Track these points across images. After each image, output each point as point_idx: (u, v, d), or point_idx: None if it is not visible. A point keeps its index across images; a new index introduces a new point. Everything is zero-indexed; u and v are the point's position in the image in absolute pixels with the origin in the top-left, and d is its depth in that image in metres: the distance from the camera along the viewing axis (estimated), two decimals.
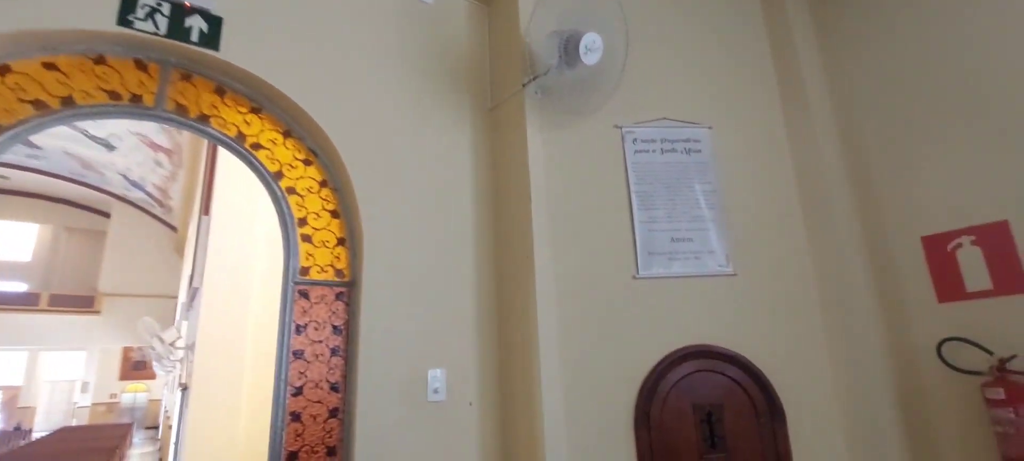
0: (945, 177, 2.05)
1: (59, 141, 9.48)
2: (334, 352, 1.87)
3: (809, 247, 2.22)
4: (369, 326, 1.87)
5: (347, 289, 1.94)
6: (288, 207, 1.88)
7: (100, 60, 1.64)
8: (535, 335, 1.91)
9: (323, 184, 1.98)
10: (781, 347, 2.07)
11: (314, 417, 1.79)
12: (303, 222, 1.90)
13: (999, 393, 1.76)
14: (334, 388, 1.84)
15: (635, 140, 2.23)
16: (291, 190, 1.91)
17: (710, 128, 2.29)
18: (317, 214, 1.94)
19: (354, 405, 1.80)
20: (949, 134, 2.05)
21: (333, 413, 1.82)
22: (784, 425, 2.00)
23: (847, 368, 2.08)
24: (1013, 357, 1.78)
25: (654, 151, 2.23)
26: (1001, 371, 1.79)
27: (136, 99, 1.66)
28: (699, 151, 2.26)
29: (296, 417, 1.76)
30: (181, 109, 1.74)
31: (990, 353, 1.83)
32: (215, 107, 1.80)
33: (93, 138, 9.17)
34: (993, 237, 1.91)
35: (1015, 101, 1.89)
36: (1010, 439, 1.72)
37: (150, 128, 8.24)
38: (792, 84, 2.37)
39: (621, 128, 2.24)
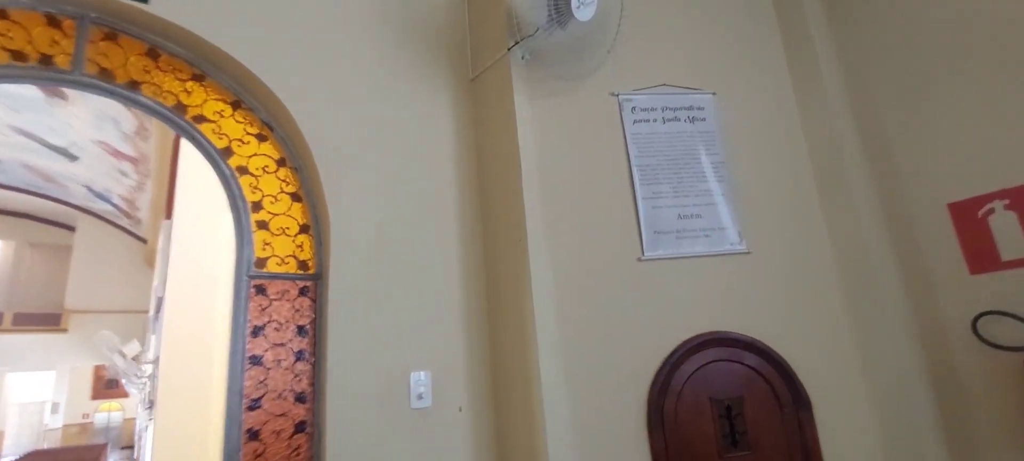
0: (970, 137, 1.87)
1: (15, 152, 8.96)
2: (299, 357, 1.61)
3: (825, 220, 2.02)
4: (340, 325, 1.62)
5: (313, 283, 1.68)
6: (239, 189, 1.62)
7: (1, 13, 1.36)
8: (532, 329, 1.68)
9: (281, 163, 1.72)
10: (802, 330, 1.87)
11: (277, 433, 1.53)
12: (258, 206, 1.64)
13: None
14: (300, 398, 1.58)
15: (634, 109, 2.02)
16: (242, 169, 1.64)
17: (714, 94, 2.09)
18: (274, 197, 1.68)
19: (324, 417, 1.54)
20: (972, 88, 1.87)
21: (300, 428, 1.56)
22: (811, 415, 1.79)
23: (874, 350, 1.89)
24: None
25: (655, 121, 2.02)
26: None
27: (46, 60, 1.38)
28: (704, 120, 2.05)
29: (254, 435, 1.50)
30: (105, 74, 1.47)
31: None
32: (148, 72, 1.53)
33: (52, 148, 8.68)
34: None
35: None
36: None
37: (112, 136, 7.81)
38: (798, 43, 2.18)
39: (618, 96, 2.02)
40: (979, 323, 1.79)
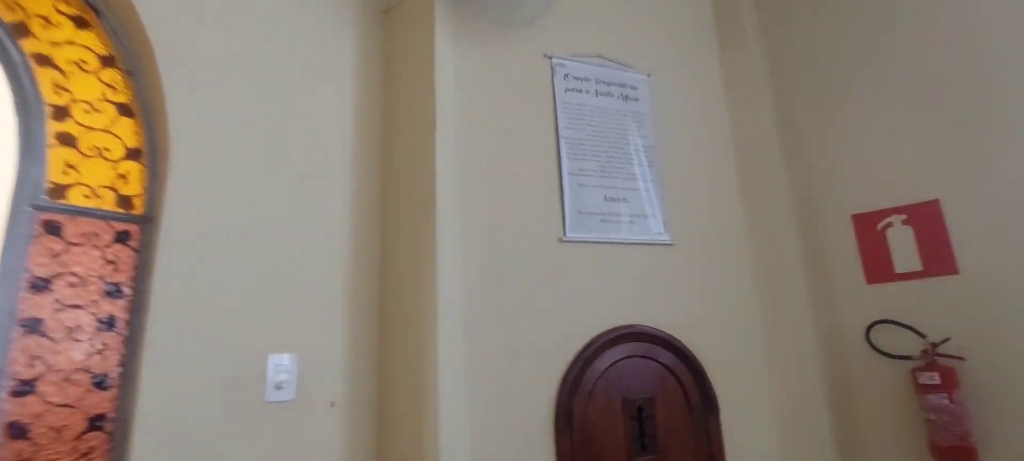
0: (879, 150, 1.93)
1: None
2: (107, 325, 1.17)
3: (745, 220, 1.99)
4: (172, 286, 1.21)
5: (138, 227, 1.24)
6: (33, 84, 1.14)
7: None
8: (432, 313, 1.39)
9: (108, 62, 1.27)
10: (716, 330, 1.79)
11: (58, 431, 1.08)
12: (62, 113, 1.17)
13: (933, 378, 1.63)
14: (100, 384, 1.14)
15: (567, 75, 1.82)
16: (43, 59, 1.17)
17: (648, 76, 1.96)
18: (91, 106, 1.22)
19: (134, 410, 1.13)
20: (883, 108, 1.93)
21: (95, 423, 1.13)
22: (717, 419, 1.71)
23: (780, 354, 1.87)
24: (946, 340, 1.67)
25: (588, 92, 1.84)
26: (934, 355, 1.67)
27: None
28: (636, 100, 1.91)
29: (19, 432, 1.04)
30: None
31: (923, 336, 1.72)
32: None
33: None
34: (924, 217, 1.81)
35: (950, 79, 1.81)
36: (943, 427, 1.60)
37: None
38: (732, 37, 2.14)
39: (551, 58, 1.81)
40: (873, 332, 1.84)
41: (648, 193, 1.81)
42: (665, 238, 1.79)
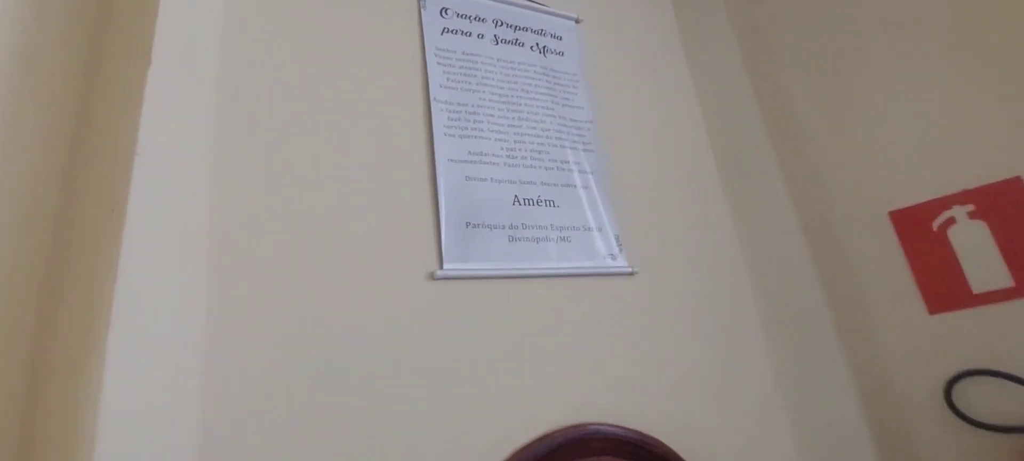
0: (917, 120, 1.31)
1: None
2: None
3: (736, 230, 1.31)
4: None
5: None
6: None
7: None
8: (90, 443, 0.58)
9: None
10: (721, 414, 1.06)
11: None
12: None
13: None
14: None
15: (445, 10, 1.12)
16: None
17: (577, 21, 1.30)
18: None
19: None
20: (918, 57, 1.34)
21: None
22: None
23: (812, 438, 1.15)
24: None
25: (481, 38, 1.14)
26: None
27: None
28: (561, 54, 1.23)
29: None
30: None
31: None
32: None
33: None
34: (1003, 204, 1.19)
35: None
36: None
37: None
38: None
39: None
40: (954, 389, 1.16)
41: (589, 191, 1.10)
42: (620, 263, 1.07)
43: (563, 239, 1.03)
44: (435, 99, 1.01)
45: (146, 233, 0.63)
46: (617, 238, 1.09)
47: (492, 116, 1.06)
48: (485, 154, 1.01)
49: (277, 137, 0.85)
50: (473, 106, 1.05)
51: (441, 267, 0.89)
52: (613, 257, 1.05)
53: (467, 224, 0.94)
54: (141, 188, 0.63)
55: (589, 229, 1.07)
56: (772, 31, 1.52)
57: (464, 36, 1.11)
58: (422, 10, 1.08)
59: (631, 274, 1.07)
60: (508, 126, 1.07)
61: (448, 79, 1.05)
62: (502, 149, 1.04)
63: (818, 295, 1.31)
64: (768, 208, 1.38)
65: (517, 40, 1.18)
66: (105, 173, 0.68)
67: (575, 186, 1.09)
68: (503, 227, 0.97)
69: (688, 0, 1.52)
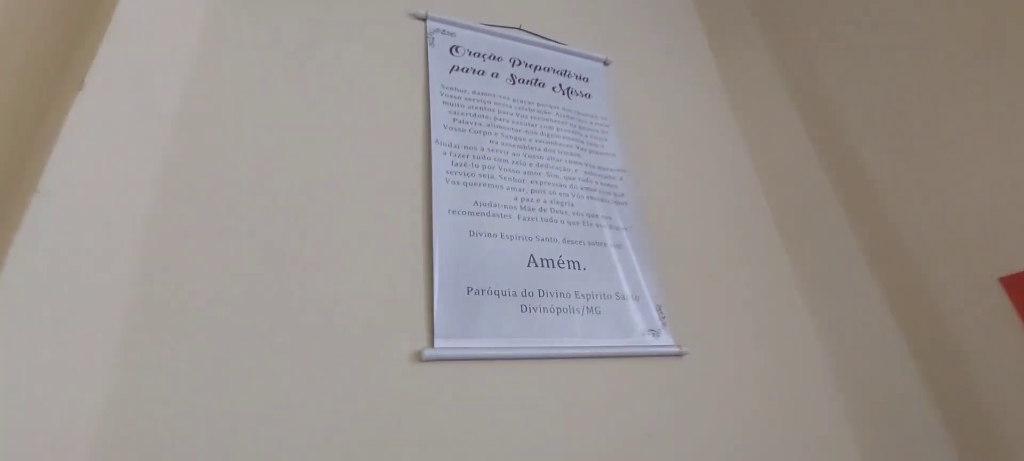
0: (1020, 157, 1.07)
1: None
2: None
3: (805, 302, 1.06)
4: None
5: None
6: None
7: None
8: None
9: None
10: None
11: None
12: None
13: None
14: None
15: (455, 48, 1.00)
16: None
17: (606, 62, 1.16)
18: None
19: None
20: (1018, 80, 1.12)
21: None
22: None
23: None
24: None
25: (496, 77, 1.00)
26: None
27: None
28: (587, 96, 1.08)
29: None
30: None
31: None
32: None
33: None
34: None
35: None
36: None
37: None
38: (720, 14, 1.38)
39: (425, 19, 1.00)
40: None
41: (622, 251, 0.90)
42: (665, 341, 0.85)
43: (591, 310, 0.82)
44: (437, 141, 0.86)
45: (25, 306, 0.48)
46: (659, 309, 0.87)
47: (505, 161, 0.90)
48: (495, 204, 0.84)
49: (233, 182, 0.71)
50: (483, 150, 0.89)
51: (431, 345, 0.69)
52: (654, 333, 0.83)
53: (468, 290, 0.75)
54: (29, 247, 0.48)
55: (623, 297, 0.86)
56: (823, 71, 1.33)
57: (476, 75, 0.98)
58: (429, 48, 0.96)
59: (679, 354, 0.84)
60: (525, 173, 0.90)
61: (454, 119, 0.90)
62: (516, 199, 0.87)
63: (918, 384, 1.03)
64: (841, 273, 1.13)
65: (537, 80, 1.04)
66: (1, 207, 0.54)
67: (605, 244, 0.90)
68: (514, 294, 0.78)
69: (728, 42, 1.36)
